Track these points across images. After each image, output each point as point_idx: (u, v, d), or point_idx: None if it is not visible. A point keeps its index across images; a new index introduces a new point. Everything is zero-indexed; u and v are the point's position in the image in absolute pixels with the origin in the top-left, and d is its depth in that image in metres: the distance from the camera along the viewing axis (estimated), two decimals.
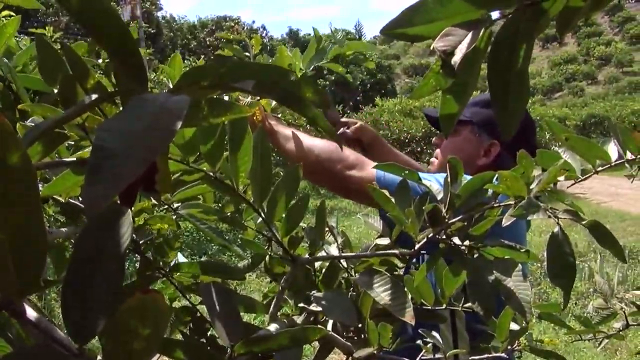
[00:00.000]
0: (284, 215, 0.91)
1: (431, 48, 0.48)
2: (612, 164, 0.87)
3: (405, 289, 0.85)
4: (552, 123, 0.89)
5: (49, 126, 0.40)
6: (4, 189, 0.36)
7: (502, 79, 0.50)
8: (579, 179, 0.88)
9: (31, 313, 0.43)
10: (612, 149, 0.88)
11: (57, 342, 0.41)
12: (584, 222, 0.80)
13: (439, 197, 0.92)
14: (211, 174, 0.86)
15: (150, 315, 0.37)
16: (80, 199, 0.93)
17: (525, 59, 0.50)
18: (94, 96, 0.44)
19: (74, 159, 0.74)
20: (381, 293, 0.84)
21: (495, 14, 0.50)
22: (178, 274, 1.03)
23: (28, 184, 0.36)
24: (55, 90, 0.89)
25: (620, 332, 1.39)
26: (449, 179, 0.89)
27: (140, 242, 1.01)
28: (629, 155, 0.86)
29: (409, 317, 0.80)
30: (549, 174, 0.79)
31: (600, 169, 0.88)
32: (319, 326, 0.64)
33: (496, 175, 0.84)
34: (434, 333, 1.01)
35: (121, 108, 0.55)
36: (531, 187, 0.81)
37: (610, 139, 0.89)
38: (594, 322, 1.38)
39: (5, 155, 0.35)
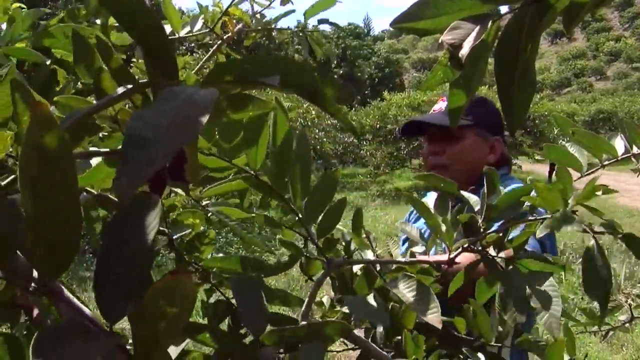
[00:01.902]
0: (320, 218, 0.91)
1: (439, 41, 0.49)
2: (619, 158, 0.88)
3: (432, 292, 0.84)
4: (559, 117, 0.90)
5: (83, 115, 0.41)
6: (43, 172, 0.38)
7: (509, 72, 0.51)
8: (585, 173, 0.88)
9: (66, 293, 0.45)
10: (619, 144, 0.88)
11: (89, 321, 0.43)
12: (619, 235, 0.81)
13: (476, 208, 0.91)
14: (252, 172, 0.86)
15: (177, 296, 0.39)
16: (112, 187, 0.94)
17: (531, 54, 0.51)
18: (127, 87, 0.47)
19: (107, 149, 0.75)
20: (404, 290, 0.84)
21: (504, 8, 0.51)
22: (214, 269, 1.02)
23: (66, 168, 0.38)
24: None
25: (626, 325, 1.39)
26: (485, 190, 0.89)
27: (174, 238, 1.01)
28: (635, 150, 0.87)
29: (436, 321, 0.79)
30: (585, 190, 0.80)
31: (606, 163, 0.89)
32: (341, 321, 0.65)
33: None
34: (480, 354, 1.00)
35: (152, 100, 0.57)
36: (569, 202, 0.81)
37: (617, 134, 0.90)
38: (599, 315, 1.39)
39: (45, 140, 0.37)
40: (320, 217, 0.90)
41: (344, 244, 0.99)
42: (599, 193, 0.84)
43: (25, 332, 0.92)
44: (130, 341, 0.42)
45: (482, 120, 1.83)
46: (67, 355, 0.38)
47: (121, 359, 0.42)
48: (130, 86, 0.52)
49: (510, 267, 0.86)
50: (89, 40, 0.70)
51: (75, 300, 0.46)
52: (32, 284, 0.45)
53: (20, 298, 0.65)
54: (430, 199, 2.07)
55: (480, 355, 1.00)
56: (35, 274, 0.45)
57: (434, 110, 1.93)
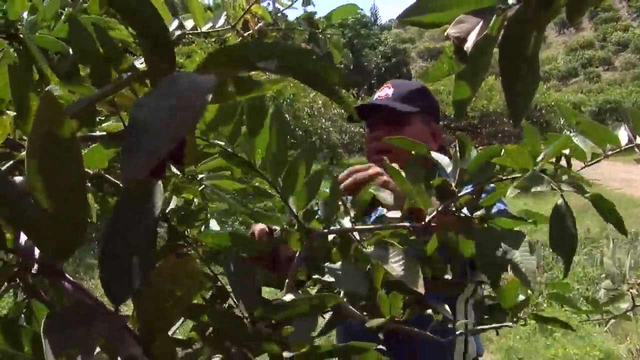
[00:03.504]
0: (299, 190, 0.92)
1: (445, 34, 0.50)
2: (622, 148, 0.88)
3: (416, 263, 0.86)
4: (564, 107, 0.90)
5: (89, 102, 0.42)
6: (51, 157, 0.39)
7: (513, 65, 0.52)
8: (589, 163, 0.89)
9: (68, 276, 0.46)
10: (623, 134, 0.89)
11: (95, 303, 0.44)
12: (587, 195, 0.82)
13: (448, 171, 0.93)
14: (229, 149, 0.88)
15: (181, 277, 0.40)
16: (120, 170, 0.95)
17: (535, 46, 0.52)
18: (127, 75, 0.48)
19: (104, 133, 0.77)
20: (394, 264, 0.86)
21: (511, 0, 0.52)
22: (203, 244, 1.04)
23: (73, 154, 0.40)
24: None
25: (628, 313, 1.40)
26: (457, 155, 0.91)
27: (167, 211, 1.02)
28: (638, 140, 0.87)
29: (420, 287, 0.81)
30: (553, 147, 0.81)
31: (609, 153, 0.89)
32: (335, 295, 0.66)
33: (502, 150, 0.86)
34: (445, 305, 1.03)
35: (150, 87, 0.58)
36: (537, 161, 0.82)
37: (621, 124, 0.90)
38: (602, 303, 1.40)
39: (52, 127, 0.38)
40: (297, 189, 0.92)
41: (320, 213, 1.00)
42: (567, 151, 0.85)
43: (24, 310, 0.92)
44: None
45: (427, 108, 1.88)
46: (74, 337, 0.39)
47: (127, 340, 0.44)
48: (130, 74, 0.52)
49: (485, 226, 0.88)
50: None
51: (81, 283, 0.47)
52: (35, 266, 0.47)
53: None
54: None
55: (446, 306, 1.04)
56: (37, 254, 0.47)
57: (379, 97, 1.94)
